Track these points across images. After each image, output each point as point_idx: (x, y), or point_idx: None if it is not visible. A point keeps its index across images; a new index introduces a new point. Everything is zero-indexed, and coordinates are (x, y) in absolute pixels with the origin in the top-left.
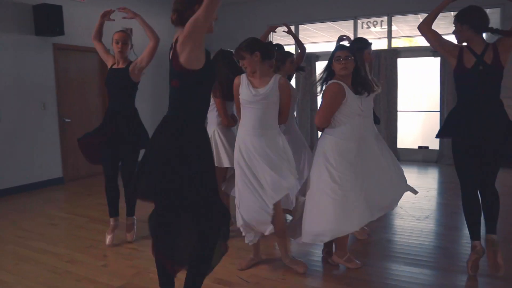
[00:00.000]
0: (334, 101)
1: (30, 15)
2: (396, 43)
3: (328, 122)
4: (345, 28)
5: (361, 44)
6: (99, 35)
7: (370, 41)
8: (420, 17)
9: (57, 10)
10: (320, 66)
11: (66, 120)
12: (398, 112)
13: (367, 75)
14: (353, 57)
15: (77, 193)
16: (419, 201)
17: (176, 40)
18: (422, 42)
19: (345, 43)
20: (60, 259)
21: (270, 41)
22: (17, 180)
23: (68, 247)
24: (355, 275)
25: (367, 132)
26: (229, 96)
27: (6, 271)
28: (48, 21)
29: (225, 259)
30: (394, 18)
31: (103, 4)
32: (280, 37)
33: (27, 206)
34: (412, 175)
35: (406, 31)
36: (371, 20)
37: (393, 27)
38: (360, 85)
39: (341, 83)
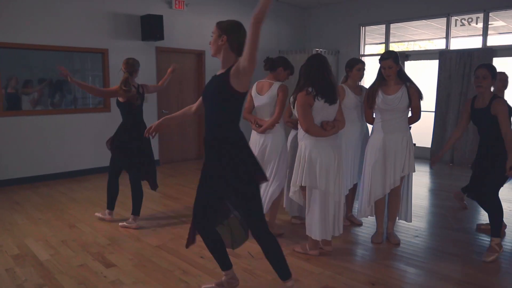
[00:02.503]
0: None
1: (138, 24)
2: (495, 40)
3: None
4: (442, 24)
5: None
6: None
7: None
8: None
9: (159, 19)
10: (409, 66)
11: (164, 111)
12: None
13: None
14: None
15: (165, 174)
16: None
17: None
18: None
19: None
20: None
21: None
22: None
23: None
24: (347, 264)
25: None
26: None
27: (86, 225)
28: (152, 29)
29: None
30: (498, 13)
31: (200, 11)
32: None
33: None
34: None
35: None
36: (466, 17)
37: (500, 23)
38: None
39: None
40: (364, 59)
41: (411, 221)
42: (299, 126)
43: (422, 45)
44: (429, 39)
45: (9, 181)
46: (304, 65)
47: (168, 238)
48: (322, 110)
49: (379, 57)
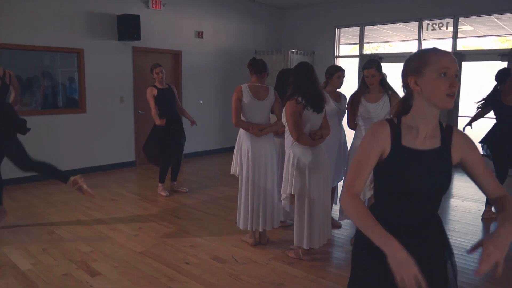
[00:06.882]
0: None
1: (114, 23)
2: (469, 42)
3: None
4: (413, 27)
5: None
6: None
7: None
8: (494, 18)
9: (135, 19)
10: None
11: (140, 112)
12: (459, 118)
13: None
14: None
15: (143, 176)
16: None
17: None
18: (488, 45)
19: None
20: (107, 227)
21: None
22: (97, 161)
23: (116, 218)
24: (336, 270)
25: None
26: None
27: (66, 231)
28: (128, 28)
29: (229, 241)
30: (466, 19)
31: (176, 11)
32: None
33: (100, 183)
34: (468, 185)
35: (485, 31)
36: (437, 22)
37: (468, 27)
38: None
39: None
40: (339, 60)
41: None
42: (286, 134)
43: (393, 45)
44: (401, 41)
45: None
46: (292, 74)
47: (151, 243)
48: (310, 119)
49: (351, 58)
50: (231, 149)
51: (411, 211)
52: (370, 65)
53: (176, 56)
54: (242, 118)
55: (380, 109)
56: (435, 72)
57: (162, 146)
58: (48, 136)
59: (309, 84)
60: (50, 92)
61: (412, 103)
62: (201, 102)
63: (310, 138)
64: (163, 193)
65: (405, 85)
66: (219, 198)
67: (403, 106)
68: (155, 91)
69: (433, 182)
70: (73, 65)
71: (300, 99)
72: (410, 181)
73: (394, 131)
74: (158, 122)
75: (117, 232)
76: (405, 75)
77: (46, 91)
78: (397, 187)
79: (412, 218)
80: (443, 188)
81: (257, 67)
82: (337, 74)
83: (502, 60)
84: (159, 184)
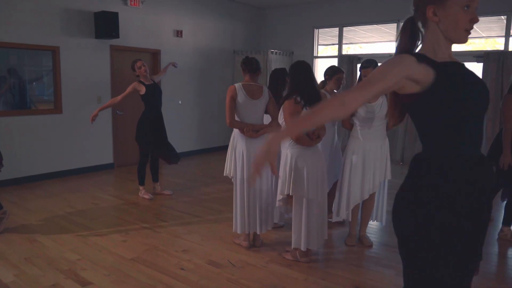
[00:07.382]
0: None
1: (91, 21)
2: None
3: None
4: (391, 29)
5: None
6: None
7: None
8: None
9: (114, 17)
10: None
11: (119, 112)
12: None
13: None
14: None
15: (122, 178)
16: None
17: None
18: (462, 47)
19: None
20: (92, 233)
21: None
22: (74, 164)
23: (101, 223)
24: (331, 269)
25: None
26: None
27: (49, 238)
28: (106, 26)
29: (222, 244)
30: None
31: (155, 9)
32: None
33: (79, 187)
34: None
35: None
36: None
37: None
38: None
39: None
40: (317, 60)
41: (384, 223)
42: None
43: (363, 46)
44: (376, 42)
45: None
46: (290, 73)
47: (142, 249)
48: None
49: (329, 59)
50: (211, 150)
51: (472, 138)
52: (368, 64)
53: (154, 55)
54: (236, 118)
55: (378, 108)
56: (459, 5)
57: (155, 140)
58: (22, 138)
59: (308, 84)
60: (19, 91)
61: (422, 35)
62: (180, 102)
63: (308, 138)
64: (146, 196)
65: (420, 13)
66: (204, 200)
67: (413, 39)
68: (142, 88)
69: (485, 94)
70: (48, 64)
71: (299, 98)
72: (470, 94)
73: (419, 57)
74: (94, 113)
75: (103, 238)
76: (422, 1)
77: (13, 91)
78: (457, 110)
79: (473, 147)
80: (488, 101)
81: (251, 65)
82: (337, 76)
83: (478, 61)
84: (140, 187)
